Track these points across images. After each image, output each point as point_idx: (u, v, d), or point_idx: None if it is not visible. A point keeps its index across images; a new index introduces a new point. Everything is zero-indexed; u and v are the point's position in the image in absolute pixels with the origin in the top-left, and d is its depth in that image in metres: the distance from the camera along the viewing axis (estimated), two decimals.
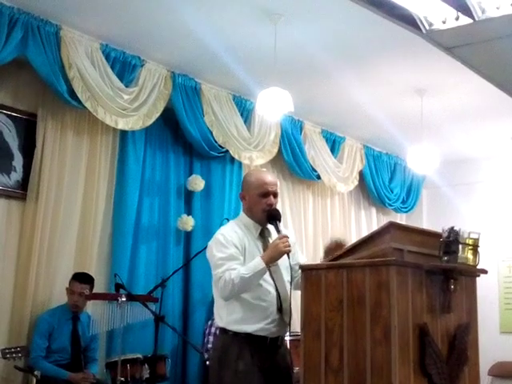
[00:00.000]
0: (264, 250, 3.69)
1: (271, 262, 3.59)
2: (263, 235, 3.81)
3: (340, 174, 8.17)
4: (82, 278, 5.49)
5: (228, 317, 3.62)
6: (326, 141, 8.04)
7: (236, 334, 3.59)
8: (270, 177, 3.86)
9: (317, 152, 7.85)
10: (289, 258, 3.61)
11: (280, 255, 3.59)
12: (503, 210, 8.89)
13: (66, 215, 5.72)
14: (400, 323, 3.04)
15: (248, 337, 3.56)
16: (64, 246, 5.69)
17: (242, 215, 3.86)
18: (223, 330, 3.65)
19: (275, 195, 3.80)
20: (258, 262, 3.55)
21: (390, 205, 9.00)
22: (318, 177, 7.87)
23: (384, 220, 8.91)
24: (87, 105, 5.56)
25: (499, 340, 8.51)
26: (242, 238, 3.70)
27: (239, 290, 3.53)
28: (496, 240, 8.72)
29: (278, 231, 3.70)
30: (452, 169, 8.91)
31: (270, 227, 3.81)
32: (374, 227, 8.86)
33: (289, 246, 3.60)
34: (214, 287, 3.70)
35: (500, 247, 8.81)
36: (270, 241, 3.76)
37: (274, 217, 3.76)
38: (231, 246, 3.63)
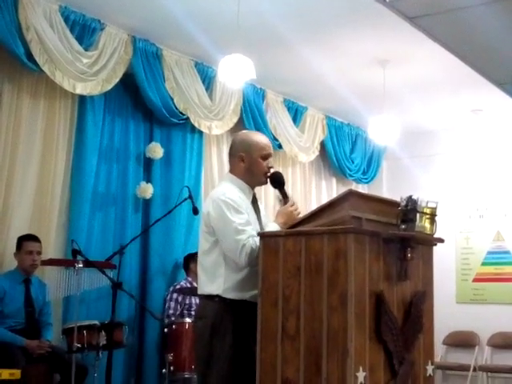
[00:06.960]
0: (257, 216, 3.62)
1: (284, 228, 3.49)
2: (254, 200, 3.68)
3: (301, 143, 8.16)
4: (33, 238, 5.41)
5: (225, 284, 3.45)
6: (288, 110, 8.02)
7: (231, 302, 3.44)
8: (267, 139, 3.77)
9: (279, 121, 7.83)
10: None
11: (293, 222, 3.45)
12: (462, 181, 8.98)
13: (21, 181, 5.61)
14: (357, 290, 3.04)
15: (244, 304, 3.42)
16: (19, 212, 5.59)
17: (235, 178, 3.64)
18: (216, 297, 3.47)
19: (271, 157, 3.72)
20: (277, 229, 3.44)
21: (351, 175, 9.03)
22: (280, 146, 7.85)
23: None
24: (45, 68, 5.46)
25: (455, 310, 8.64)
26: (246, 203, 3.56)
27: None
28: (454, 211, 8.83)
29: (286, 197, 3.62)
30: (412, 140, 8.96)
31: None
32: None
33: (299, 213, 3.54)
34: (217, 253, 3.49)
35: (458, 219, 8.92)
36: (260, 206, 3.70)
37: (279, 181, 3.67)
38: (243, 211, 3.48)
